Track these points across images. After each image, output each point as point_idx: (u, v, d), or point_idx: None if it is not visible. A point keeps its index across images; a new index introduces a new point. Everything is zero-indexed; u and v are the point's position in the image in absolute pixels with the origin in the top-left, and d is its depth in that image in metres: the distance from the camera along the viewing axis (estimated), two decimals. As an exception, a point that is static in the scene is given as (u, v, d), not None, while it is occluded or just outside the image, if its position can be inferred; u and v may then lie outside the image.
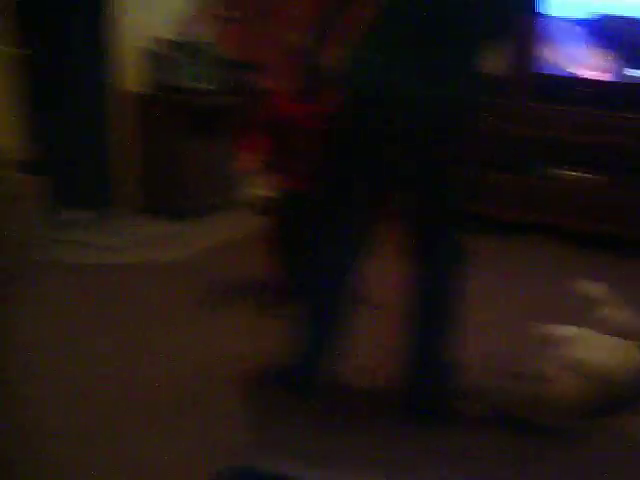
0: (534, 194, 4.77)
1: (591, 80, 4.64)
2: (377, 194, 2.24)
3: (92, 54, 4.46)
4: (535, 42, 2.34)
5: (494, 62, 2.23)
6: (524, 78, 2.42)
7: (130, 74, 4.70)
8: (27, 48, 3.91)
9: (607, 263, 4.09)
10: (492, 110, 2.38)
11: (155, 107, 4.67)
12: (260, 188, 3.14)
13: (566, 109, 4.65)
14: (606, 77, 4.60)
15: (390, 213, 2.29)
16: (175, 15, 4.88)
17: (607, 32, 4.51)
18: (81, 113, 4.44)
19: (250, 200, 3.31)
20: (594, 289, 2.44)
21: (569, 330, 2.37)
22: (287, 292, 2.93)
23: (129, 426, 2.09)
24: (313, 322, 2.28)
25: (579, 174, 4.68)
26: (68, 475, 1.83)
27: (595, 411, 2.25)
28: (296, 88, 2.84)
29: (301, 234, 2.55)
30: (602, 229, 4.54)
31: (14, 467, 1.79)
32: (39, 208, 3.53)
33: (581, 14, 4.52)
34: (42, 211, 3.56)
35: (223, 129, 5.02)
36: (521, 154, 4.83)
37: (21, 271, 3.37)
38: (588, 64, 4.63)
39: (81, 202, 4.53)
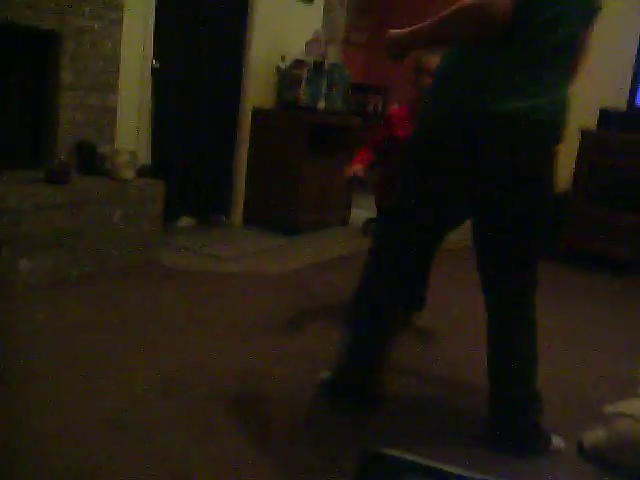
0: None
1: None
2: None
3: (222, 69, 4.64)
4: None
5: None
6: None
7: (258, 90, 4.86)
8: (160, 62, 4.12)
9: None
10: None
11: (277, 123, 4.80)
12: (367, 208, 3.19)
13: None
14: None
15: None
16: (304, 35, 5.00)
17: None
18: (206, 124, 4.62)
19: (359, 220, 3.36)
20: None
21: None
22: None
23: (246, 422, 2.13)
24: (368, 334, 2.31)
25: None
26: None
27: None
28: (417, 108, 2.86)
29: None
30: None
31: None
32: (157, 212, 3.68)
33: None
34: (160, 215, 3.70)
35: (340, 148, 5.09)
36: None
37: (135, 271, 3.53)
38: None
39: (197, 210, 4.71)
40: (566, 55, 2.12)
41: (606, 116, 4.95)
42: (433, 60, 2.70)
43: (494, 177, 2.06)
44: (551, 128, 2.10)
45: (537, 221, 2.18)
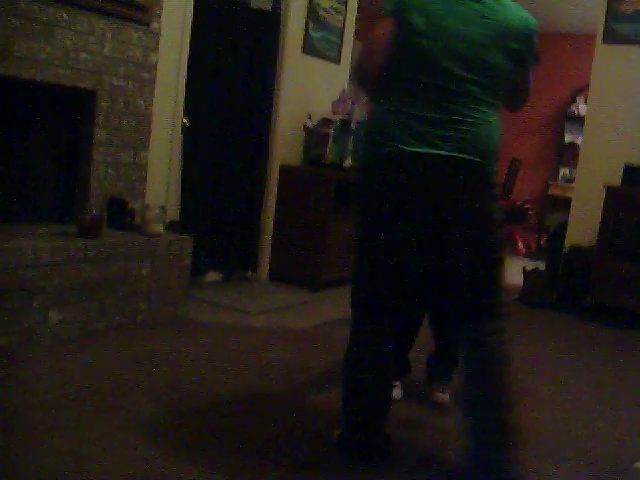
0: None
1: None
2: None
3: (250, 127, 4.75)
4: None
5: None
6: None
7: (285, 147, 4.96)
8: (190, 119, 4.24)
9: None
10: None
11: (303, 180, 4.88)
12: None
13: None
14: None
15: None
16: (331, 94, 5.11)
17: None
18: (234, 181, 4.70)
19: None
20: None
21: None
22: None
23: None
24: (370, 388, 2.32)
25: None
26: None
27: None
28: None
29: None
30: None
31: None
32: (185, 267, 3.73)
33: None
34: (187, 270, 3.76)
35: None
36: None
37: (163, 325, 3.57)
38: None
39: (224, 265, 4.77)
40: (465, 91, 2.13)
41: (631, 172, 4.97)
42: None
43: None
44: (461, 165, 2.12)
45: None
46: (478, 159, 2.13)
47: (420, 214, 2.16)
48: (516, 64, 2.22)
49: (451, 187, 2.13)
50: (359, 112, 5.00)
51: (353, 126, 4.97)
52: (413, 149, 2.11)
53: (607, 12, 5.26)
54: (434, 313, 2.91)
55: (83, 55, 3.36)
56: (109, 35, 3.47)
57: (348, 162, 4.96)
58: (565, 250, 5.29)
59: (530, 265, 5.62)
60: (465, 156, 2.12)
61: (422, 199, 2.14)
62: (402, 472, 2.31)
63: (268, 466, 2.21)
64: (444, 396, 2.97)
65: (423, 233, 2.18)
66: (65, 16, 3.25)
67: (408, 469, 2.33)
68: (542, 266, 5.55)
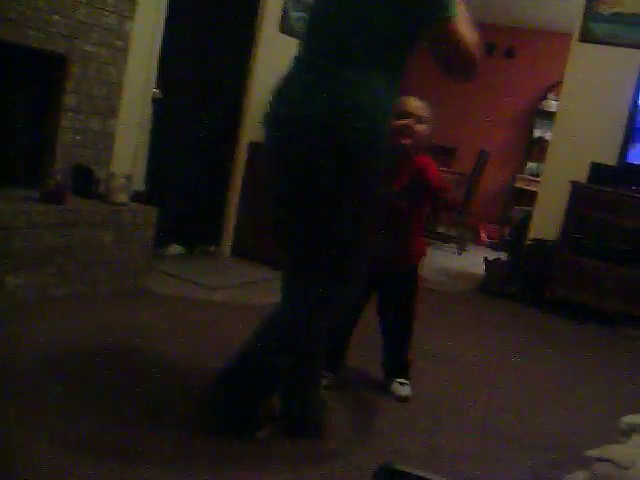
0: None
1: None
2: None
3: (222, 103, 4.72)
4: None
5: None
6: None
7: (255, 125, 4.92)
8: (161, 91, 4.19)
9: None
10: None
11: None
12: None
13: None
14: None
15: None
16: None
17: None
18: (202, 155, 4.67)
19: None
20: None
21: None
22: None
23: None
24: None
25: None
26: None
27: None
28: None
29: None
30: None
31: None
32: (148, 238, 3.71)
33: None
34: (150, 241, 3.73)
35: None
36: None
37: (123, 295, 3.55)
38: None
39: (187, 239, 4.74)
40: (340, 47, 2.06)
41: (597, 170, 5.04)
42: (421, 105, 2.66)
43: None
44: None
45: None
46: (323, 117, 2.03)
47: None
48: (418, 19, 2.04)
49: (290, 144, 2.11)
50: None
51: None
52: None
53: (585, 12, 5.31)
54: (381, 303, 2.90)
55: (55, 17, 3.30)
56: (83, -1, 3.41)
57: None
58: (528, 242, 5.36)
59: (492, 255, 5.68)
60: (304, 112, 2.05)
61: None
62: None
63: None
64: (403, 389, 2.86)
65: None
66: (39, -23, 3.19)
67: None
68: (504, 257, 5.61)
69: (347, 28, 2.05)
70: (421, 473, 0.88)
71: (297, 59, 2.21)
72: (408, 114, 2.57)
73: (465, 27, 2.02)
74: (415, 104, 2.62)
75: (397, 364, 2.92)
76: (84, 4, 3.41)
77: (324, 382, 2.67)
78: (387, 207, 2.50)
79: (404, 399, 2.82)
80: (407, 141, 2.58)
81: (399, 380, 2.88)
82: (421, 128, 2.61)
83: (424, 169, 2.62)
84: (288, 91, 2.17)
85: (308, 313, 2.22)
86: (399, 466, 0.94)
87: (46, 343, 2.73)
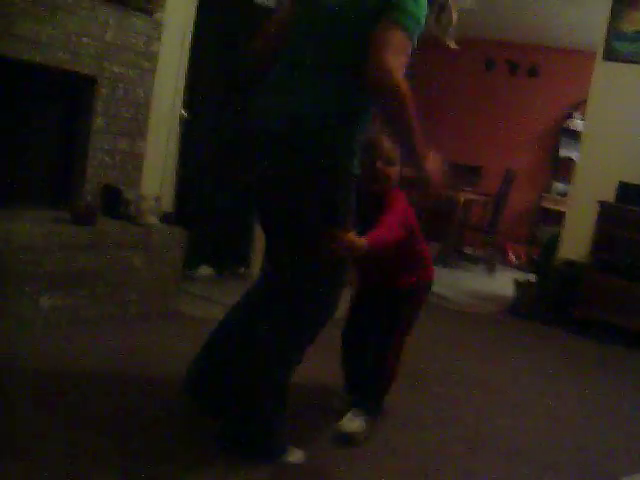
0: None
1: None
2: None
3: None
4: None
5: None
6: None
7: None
8: (189, 113, 4.21)
9: None
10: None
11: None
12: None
13: None
14: None
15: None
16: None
17: None
18: (230, 176, 4.67)
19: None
20: None
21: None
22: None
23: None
24: None
25: None
26: None
27: None
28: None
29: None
30: None
31: None
32: (178, 259, 3.70)
33: None
34: (180, 263, 3.73)
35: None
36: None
37: (153, 316, 3.54)
38: None
39: (216, 260, 4.73)
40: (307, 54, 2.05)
41: (625, 190, 4.98)
42: (390, 147, 2.45)
43: None
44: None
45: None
46: (288, 128, 2.02)
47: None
48: (372, 23, 1.95)
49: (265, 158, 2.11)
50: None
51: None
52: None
53: (608, 30, 5.28)
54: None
55: (85, 40, 3.33)
56: (112, 22, 3.43)
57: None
58: (557, 263, 5.29)
59: (521, 277, 5.62)
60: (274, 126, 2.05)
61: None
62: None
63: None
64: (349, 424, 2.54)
65: None
66: (69, 0, 3.22)
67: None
68: (534, 278, 5.55)
69: (317, 37, 2.06)
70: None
71: (275, 68, 2.19)
72: (379, 156, 2.44)
73: (397, 56, 1.90)
74: (386, 146, 2.45)
75: (361, 391, 2.69)
76: (113, 27, 3.44)
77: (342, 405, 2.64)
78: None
79: (348, 438, 2.46)
80: (376, 186, 2.45)
81: (353, 410, 2.57)
82: (392, 171, 2.45)
83: (389, 203, 2.44)
84: (261, 101, 2.16)
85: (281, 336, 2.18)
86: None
87: (78, 364, 2.72)
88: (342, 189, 2.06)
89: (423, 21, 1.97)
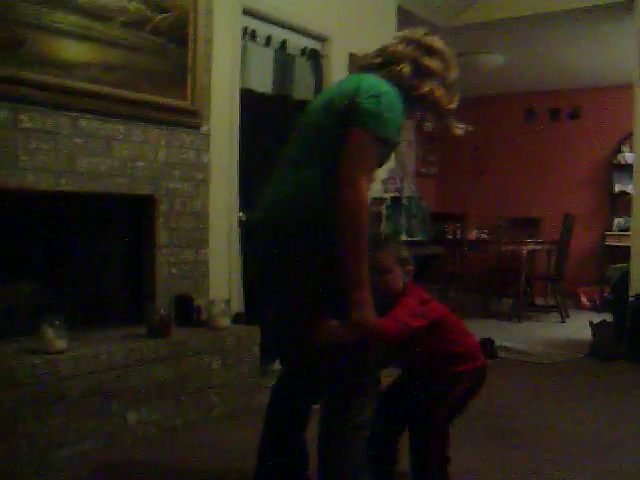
0: None
1: None
2: None
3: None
4: None
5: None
6: None
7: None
8: (246, 213, 4.37)
9: None
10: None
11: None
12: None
13: None
14: None
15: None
16: (380, 173, 5.22)
17: None
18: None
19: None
20: None
21: None
22: None
23: None
24: None
25: None
26: None
27: None
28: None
29: None
30: None
31: None
32: (254, 357, 3.79)
33: None
34: (257, 360, 3.82)
35: (426, 276, 5.15)
36: None
37: (237, 415, 3.61)
38: None
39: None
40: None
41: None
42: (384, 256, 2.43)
43: None
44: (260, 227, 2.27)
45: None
46: (277, 221, 2.18)
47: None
48: (338, 122, 2.12)
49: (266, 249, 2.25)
50: (408, 188, 5.09)
51: (404, 202, 5.06)
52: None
53: (640, 59, 5.32)
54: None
55: (140, 164, 3.54)
56: (162, 142, 3.65)
57: (403, 237, 5.02)
58: (630, 299, 5.21)
59: (596, 318, 5.54)
60: (269, 219, 2.22)
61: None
62: None
63: None
64: None
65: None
66: (121, 129, 3.44)
67: None
68: (609, 318, 5.46)
69: (297, 137, 2.30)
70: None
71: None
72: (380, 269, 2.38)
73: (361, 166, 2.05)
74: (383, 257, 2.41)
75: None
76: (164, 146, 3.65)
77: None
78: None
79: None
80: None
81: None
82: (388, 280, 2.40)
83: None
84: (263, 197, 2.33)
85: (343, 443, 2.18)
86: None
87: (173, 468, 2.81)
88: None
89: (393, 120, 2.11)
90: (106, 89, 3.31)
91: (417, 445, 2.48)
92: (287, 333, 2.39)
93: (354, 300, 2.03)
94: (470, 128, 2.37)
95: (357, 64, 2.41)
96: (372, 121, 2.07)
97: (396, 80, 2.20)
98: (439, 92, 2.26)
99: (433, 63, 2.24)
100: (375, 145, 2.08)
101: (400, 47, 2.26)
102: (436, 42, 2.28)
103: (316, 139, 2.20)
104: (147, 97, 3.51)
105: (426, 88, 2.24)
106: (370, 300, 2.05)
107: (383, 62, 2.26)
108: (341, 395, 2.19)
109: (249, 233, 2.41)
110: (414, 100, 2.26)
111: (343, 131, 2.08)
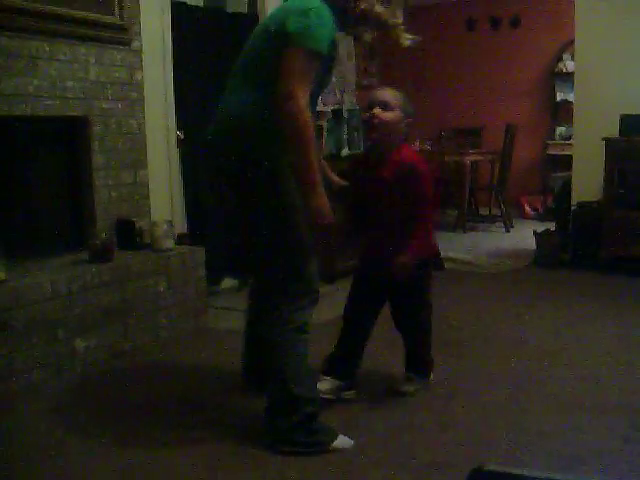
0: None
1: None
2: None
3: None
4: None
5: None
6: None
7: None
8: (184, 132, 4.25)
9: None
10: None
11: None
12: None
13: None
14: None
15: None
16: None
17: None
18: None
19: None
20: None
21: None
22: None
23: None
24: None
25: None
26: None
27: None
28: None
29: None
30: None
31: None
32: (200, 278, 3.76)
33: None
34: (203, 280, 3.79)
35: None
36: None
37: (185, 337, 3.60)
38: None
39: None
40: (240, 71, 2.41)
41: (628, 122, 4.96)
42: (386, 93, 2.62)
43: None
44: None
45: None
46: (225, 136, 2.39)
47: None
48: (272, 45, 2.27)
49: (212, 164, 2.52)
50: (348, 100, 5.01)
51: (345, 115, 4.99)
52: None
53: (584, -32, 5.25)
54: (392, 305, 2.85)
55: (70, 83, 3.38)
56: (92, 60, 3.49)
57: (345, 151, 4.97)
58: (573, 207, 5.29)
59: (540, 227, 5.62)
60: (215, 136, 2.42)
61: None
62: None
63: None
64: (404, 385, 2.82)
65: None
66: (47, 48, 3.27)
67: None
68: (552, 227, 5.55)
69: (241, 60, 2.42)
70: (518, 472, 0.88)
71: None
72: (374, 103, 2.59)
73: (300, 80, 2.18)
74: (382, 92, 2.63)
75: (409, 357, 2.86)
76: (93, 65, 3.49)
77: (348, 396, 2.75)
78: (374, 203, 2.67)
79: (401, 394, 2.77)
80: (374, 134, 2.61)
81: (407, 374, 2.84)
82: (388, 115, 2.57)
83: (416, 174, 2.59)
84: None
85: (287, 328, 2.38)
86: (493, 467, 0.94)
87: (124, 394, 2.79)
88: (278, 180, 2.34)
89: (323, 34, 2.22)
90: (25, 3, 3.12)
91: (410, 326, 2.81)
92: (237, 241, 2.70)
93: (311, 204, 2.24)
94: (419, 38, 2.45)
95: None
96: (302, 39, 2.19)
97: None
98: (379, 8, 2.34)
99: None
100: (309, 60, 2.20)
101: None
102: None
103: (254, 62, 2.34)
104: (71, 12, 3.33)
105: (362, 5, 2.33)
106: (325, 200, 2.27)
107: None
108: (283, 297, 2.39)
109: (201, 151, 2.61)
110: (356, 17, 2.34)
111: (278, 53, 2.21)
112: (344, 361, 2.78)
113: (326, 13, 2.24)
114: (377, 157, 2.64)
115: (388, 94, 2.60)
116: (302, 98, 2.16)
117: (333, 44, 2.32)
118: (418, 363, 2.84)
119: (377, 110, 2.56)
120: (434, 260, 2.81)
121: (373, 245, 2.78)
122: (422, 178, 2.59)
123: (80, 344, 3.13)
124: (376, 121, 2.56)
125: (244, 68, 2.39)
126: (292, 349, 2.36)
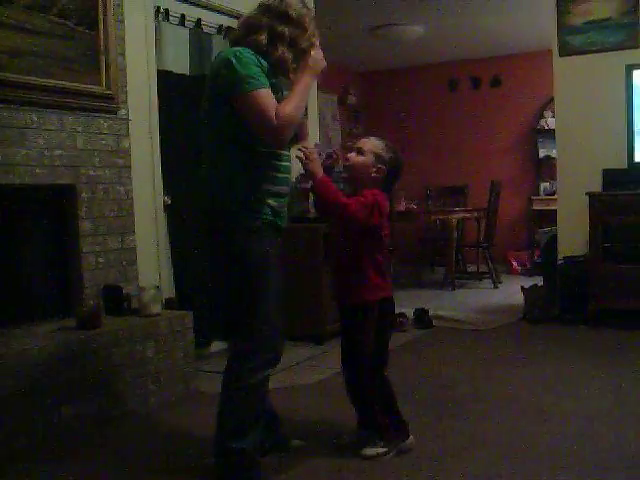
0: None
1: None
2: None
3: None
4: None
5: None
6: None
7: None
8: (170, 197, 4.29)
9: None
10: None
11: (291, 238, 4.89)
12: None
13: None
14: None
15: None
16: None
17: None
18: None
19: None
20: None
21: None
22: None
23: None
24: None
25: None
26: None
27: None
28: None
29: None
30: None
31: None
32: (189, 342, 3.74)
33: None
34: (191, 344, 3.77)
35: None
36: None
37: (175, 402, 3.56)
38: None
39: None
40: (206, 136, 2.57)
41: (610, 176, 5.05)
42: (367, 140, 2.78)
43: None
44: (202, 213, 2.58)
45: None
46: (200, 204, 2.58)
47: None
48: (217, 102, 2.44)
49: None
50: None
51: (335, 176, 5.03)
52: None
53: (558, 26, 5.40)
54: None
55: (57, 152, 3.43)
56: (80, 129, 3.54)
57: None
58: (559, 262, 5.32)
59: (528, 282, 5.65)
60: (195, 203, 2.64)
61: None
62: None
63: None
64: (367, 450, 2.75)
65: None
66: (35, 118, 3.32)
67: None
68: (540, 281, 5.57)
69: (202, 130, 2.57)
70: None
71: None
72: (353, 148, 2.79)
73: (266, 100, 2.35)
74: (363, 140, 2.79)
75: (366, 422, 2.80)
76: (81, 133, 3.54)
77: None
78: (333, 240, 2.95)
79: (363, 457, 2.72)
80: (344, 174, 2.85)
81: (362, 439, 2.79)
82: (358, 159, 2.72)
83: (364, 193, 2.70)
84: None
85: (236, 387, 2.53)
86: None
87: (111, 462, 2.75)
88: (256, 238, 2.51)
89: (254, 69, 2.37)
90: (13, 76, 3.19)
91: (355, 384, 2.79)
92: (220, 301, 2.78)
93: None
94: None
95: (229, 39, 2.66)
96: (238, 87, 2.34)
97: (255, 48, 2.43)
98: (287, 55, 2.47)
99: (286, 30, 2.45)
100: (257, 97, 2.34)
101: (258, 17, 2.48)
102: (291, 9, 2.46)
103: (210, 122, 2.50)
104: (59, 83, 3.40)
105: (277, 52, 2.45)
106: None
107: (246, 33, 2.48)
108: (234, 354, 2.56)
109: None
110: (272, 64, 2.46)
111: (230, 110, 2.38)
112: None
113: (247, 54, 2.38)
114: (347, 197, 2.72)
115: (367, 141, 2.76)
116: (280, 114, 2.34)
117: (263, 76, 2.40)
118: (368, 422, 2.79)
119: (351, 154, 2.74)
120: (382, 306, 2.80)
121: (334, 281, 2.94)
122: (366, 193, 2.67)
123: (68, 411, 3.09)
124: (346, 163, 2.76)
125: (206, 131, 2.55)
126: (231, 405, 2.51)
